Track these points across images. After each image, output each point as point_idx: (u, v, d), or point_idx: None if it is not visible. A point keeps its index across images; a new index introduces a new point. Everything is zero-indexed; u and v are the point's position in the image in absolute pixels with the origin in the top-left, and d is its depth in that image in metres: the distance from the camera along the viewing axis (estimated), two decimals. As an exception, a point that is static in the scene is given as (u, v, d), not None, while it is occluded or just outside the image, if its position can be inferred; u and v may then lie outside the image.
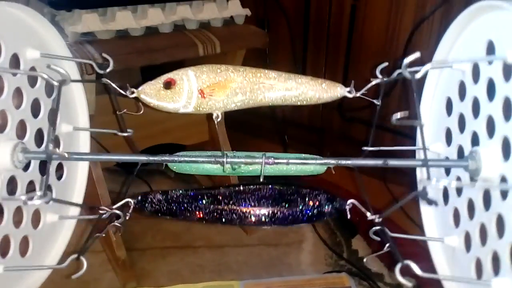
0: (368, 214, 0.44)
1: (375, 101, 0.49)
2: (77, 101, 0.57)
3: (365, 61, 1.07)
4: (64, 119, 0.53)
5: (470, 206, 0.44)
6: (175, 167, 0.47)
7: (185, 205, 0.45)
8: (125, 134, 0.49)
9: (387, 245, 0.41)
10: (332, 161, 0.42)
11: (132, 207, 0.46)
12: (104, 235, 0.48)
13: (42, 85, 0.48)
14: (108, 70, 0.46)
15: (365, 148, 0.49)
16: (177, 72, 0.46)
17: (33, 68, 0.47)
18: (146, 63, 0.76)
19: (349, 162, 0.40)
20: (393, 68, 0.47)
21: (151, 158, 0.43)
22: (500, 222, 0.40)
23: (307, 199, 0.45)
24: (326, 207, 0.46)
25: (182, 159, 0.42)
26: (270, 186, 0.45)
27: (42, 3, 0.73)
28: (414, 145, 0.61)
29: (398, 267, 0.39)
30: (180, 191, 0.46)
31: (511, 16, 0.38)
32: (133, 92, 0.46)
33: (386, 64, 0.47)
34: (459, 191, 0.46)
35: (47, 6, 0.73)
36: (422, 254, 0.46)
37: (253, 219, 0.44)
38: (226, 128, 1.01)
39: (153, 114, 0.96)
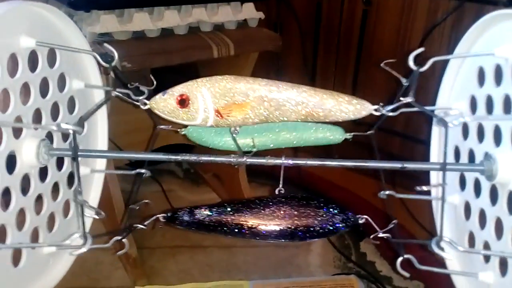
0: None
1: (368, 133, 0.50)
2: (97, 100, 0.58)
3: (375, 65, 1.08)
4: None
5: (498, 225, 0.43)
6: (192, 135, 0.49)
7: (209, 225, 0.47)
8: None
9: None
10: (350, 163, 0.43)
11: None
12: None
13: (68, 93, 0.50)
14: (113, 63, 0.47)
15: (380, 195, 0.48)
16: (190, 87, 0.44)
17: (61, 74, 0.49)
18: (162, 64, 0.77)
19: (367, 164, 0.41)
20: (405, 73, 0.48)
21: (170, 157, 0.44)
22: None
23: (321, 217, 0.46)
24: (340, 224, 0.47)
25: (203, 158, 0.43)
26: (286, 204, 0.46)
27: (60, 3, 0.75)
28: (424, 149, 0.62)
29: (434, 242, 0.39)
30: (205, 213, 0.47)
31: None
32: (145, 104, 0.46)
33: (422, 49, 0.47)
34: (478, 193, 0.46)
35: (64, 6, 0.74)
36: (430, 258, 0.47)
37: (271, 235, 0.45)
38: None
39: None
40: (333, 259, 0.92)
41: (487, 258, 0.43)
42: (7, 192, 0.41)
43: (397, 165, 0.41)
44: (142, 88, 0.46)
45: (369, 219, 0.47)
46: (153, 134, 0.54)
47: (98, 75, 0.56)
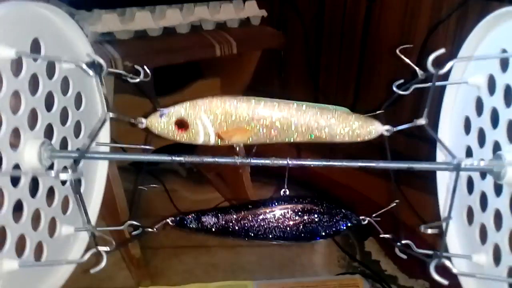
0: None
1: (377, 112, 0.49)
2: (99, 101, 0.58)
3: (379, 63, 1.07)
4: (87, 134, 0.53)
5: (498, 217, 0.43)
6: None
7: (216, 231, 0.47)
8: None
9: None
10: (355, 164, 0.42)
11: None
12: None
13: (72, 95, 0.49)
14: (138, 79, 0.46)
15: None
16: (188, 111, 0.42)
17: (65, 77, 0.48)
18: (164, 63, 0.77)
19: (372, 164, 0.41)
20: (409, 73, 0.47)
21: (174, 158, 0.43)
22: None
23: (325, 223, 0.46)
24: (343, 227, 0.47)
25: (206, 159, 0.43)
26: (291, 211, 0.46)
27: (61, 2, 0.74)
28: (429, 148, 0.61)
29: (433, 264, 0.38)
30: (212, 220, 0.47)
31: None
32: (142, 122, 0.45)
33: (401, 81, 0.47)
34: (483, 204, 0.46)
35: (65, 5, 0.74)
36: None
37: (275, 235, 0.45)
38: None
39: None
40: (337, 259, 0.92)
41: (483, 241, 0.43)
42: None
43: (404, 165, 0.40)
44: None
45: (372, 221, 0.46)
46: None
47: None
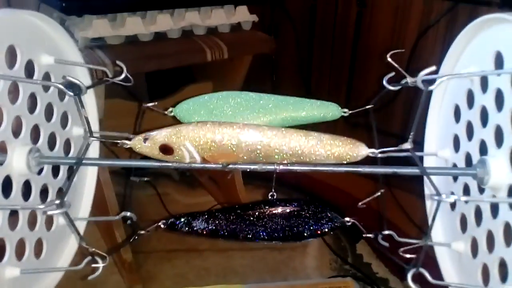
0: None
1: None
2: (88, 105, 0.58)
3: (370, 67, 1.08)
4: (75, 123, 0.53)
5: (478, 213, 0.44)
6: (181, 115, 0.48)
7: (207, 234, 0.48)
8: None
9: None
10: (342, 169, 0.43)
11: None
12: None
13: (55, 90, 0.49)
14: (121, 77, 0.47)
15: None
16: (172, 138, 0.42)
17: (47, 74, 0.48)
18: (155, 68, 0.77)
19: (358, 169, 0.41)
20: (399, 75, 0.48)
21: (163, 164, 0.44)
22: (508, 230, 0.41)
23: (311, 226, 0.47)
24: (327, 229, 0.48)
25: (194, 165, 0.43)
26: (278, 217, 0.47)
27: (52, 8, 0.74)
28: (421, 150, 0.62)
29: (410, 274, 0.40)
30: (202, 225, 0.47)
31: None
32: (126, 144, 0.45)
33: (392, 74, 0.47)
34: (466, 193, 0.47)
35: (56, 11, 0.74)
36: (427, 262, 0.47)
37: (263, 237, 0.46)
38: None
39: (158, 119, 0.97)
40: (329, 262, 0.92)
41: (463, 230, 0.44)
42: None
43: (389, 170, 0.41)
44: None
45: (356, 222, 0.47)
46: (139, 113, 0.53)
47: (90, 82, 0.56)
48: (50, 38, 0.49)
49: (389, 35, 1.02)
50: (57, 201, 0.40)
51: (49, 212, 0.42)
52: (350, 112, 0.51)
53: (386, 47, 1.03)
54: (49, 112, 0.49)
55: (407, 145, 0.41)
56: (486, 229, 0.42)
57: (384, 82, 0.44)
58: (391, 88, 0.45)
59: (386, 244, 0.45)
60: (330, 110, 0.51)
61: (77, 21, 0.74)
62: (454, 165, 0.50)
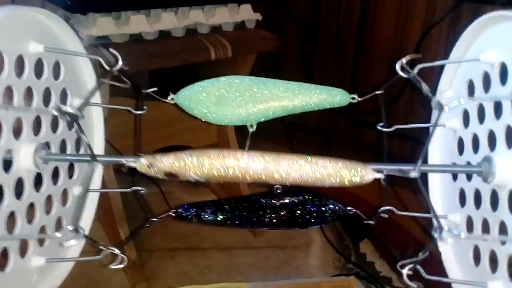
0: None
1: (377, 92, 0.50)
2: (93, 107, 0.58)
3: (374, 66, 1.08)
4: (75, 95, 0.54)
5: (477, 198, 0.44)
6: (184, 103, 0.48)
7: (215, 224, 0.49)
8: (140, 112, 0.49)
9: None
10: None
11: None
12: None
13: (50, 75, 0.49)
14: (117, 68, 0.47)
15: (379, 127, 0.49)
16: (177, 167, 0.42)
17: (57, 65, 0.48)
18: (159, 67, 0.77)
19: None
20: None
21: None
22: (503, 228, 0.41)
23: (315, 217, 0.48)
24: (330, 217, 0.48)
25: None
26: (283, 210, 0.47)
27: (56, 6, 0.75)
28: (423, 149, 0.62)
29: (405, 270, 0.40)
30: (211, 216, 0.48)
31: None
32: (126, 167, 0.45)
33: (408, 57, 0.47)
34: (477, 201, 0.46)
35: (61, 9, 0.74)
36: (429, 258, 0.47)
37: (269, 225, 0.47)
38: (235, 131, 1.02)
39: (162, 116, 0.97)
40: (332, 260, 0.92)
41: (494, 267, 0.43)
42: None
43: (390, 167, 0.41)
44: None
45: (358, 212, 0.47)
46: (138, 98, 0.52)
47: (94, 79, 0.56)
48: (55, 34, 0.49)
49: (393, 33, 1.02)
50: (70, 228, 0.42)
51: (65, 244, 0.44)
52: (359, 99, 0.51)
53: (389, 46, 1.03)
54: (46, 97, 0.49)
55: (413, 173, 0.40)
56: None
57: (397, 68, 0.43)
58: (402, 74, 0.45)
59: (386, 216, 0.45)
60: (339, 95, 0.50)
61: (81, 19, 0.74)
62: (461, 139, 0.49)
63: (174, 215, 0.48)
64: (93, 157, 0.44)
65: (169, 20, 0.77)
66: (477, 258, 0.45)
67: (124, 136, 0.86)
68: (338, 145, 1.20)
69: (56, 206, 0.50)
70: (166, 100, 0.48)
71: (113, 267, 0.45)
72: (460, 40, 0.49)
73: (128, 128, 0.85)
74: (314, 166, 0.42)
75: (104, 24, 0.72)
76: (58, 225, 0.51)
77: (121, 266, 0.46)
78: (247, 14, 0.85)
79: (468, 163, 0.47)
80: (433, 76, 0.57)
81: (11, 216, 0.43)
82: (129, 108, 0.51)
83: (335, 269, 0.90)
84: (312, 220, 0.47)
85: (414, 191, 0.94)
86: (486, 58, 0.43)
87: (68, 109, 0.42)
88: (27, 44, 0.43)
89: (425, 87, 0.44)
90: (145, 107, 0.51)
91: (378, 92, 0.52)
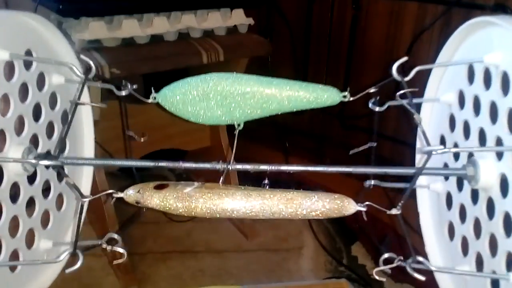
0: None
1: (371, 144, 0.49)
2: (82, 107, 0.58)
3: (366, 70, 1.09)
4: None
5: (476, 224, 0.45)
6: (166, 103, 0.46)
7: None
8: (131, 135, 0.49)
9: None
10: (333, 169, 0.43)
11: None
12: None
13: (48, 92, 0.50)
14: (90, 75, 0.46)
15: (366, 184, 0.49)
16: (161, 205, 0.43)
17: (41, 75, 0.48)
18: (151, 70, 0.78)
19: (350, 169, 0.42)
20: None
21: (157, 164, 0.44)
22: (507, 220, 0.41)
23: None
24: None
25: (185, 165, 0.44)
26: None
27: (49, 10, 0.75)
28: (414, 153, 0.63)
29: (409, 263, 0.40)
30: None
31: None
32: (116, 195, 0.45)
33: (406, 58, 0.47)
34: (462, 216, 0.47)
35: (53, 13, 0.75)
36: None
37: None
38: (227, 135, 1.02)
39: (155, 120, 0.97)
40: (324, 263, 0.93)
41: (465, 252, 0.44)
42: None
43: (379, 170, 0.41)
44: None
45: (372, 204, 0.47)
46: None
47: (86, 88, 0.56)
48: (45, 39, 0.50)
49: (384, 38, 1.03)
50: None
51: (41, 162, 0.42)
52: (352, 98, 0.50)
53: (381, 50, 1.04)
54: (37, 113, 0.49)
55: (395, 211, 0.41)
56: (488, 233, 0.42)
57: (393, 71, 0.44)
58: (397, 78, 0.45)
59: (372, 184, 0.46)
60: (329, 93, 0.49)
61: (74, 23, 0.75)
62: (452, 116, 0.49)
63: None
64: (82, 196, 0.44)
65: (162, 25, 0.78)
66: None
67: (116, 138, 0.87)
68: (331, 148, 1.21)
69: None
70: (149, 101, 0.47)
71: (115, 263, 0.44)
72: (447, 44, 0.50)
73: (120, 131, 0.86)
74: (303, 203, 0.42)
75: (96, 28, 0.73)
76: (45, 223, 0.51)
77: (120, 261, 0.45)
78: (239, 18, 0.86)
79: (455, 144, 0.47)
80: (424, 80, 0.57)
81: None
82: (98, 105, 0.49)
83: (327, 271, 0.90)
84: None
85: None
86: (490, 60, 0.43)
87: (49, 163, 0.43)
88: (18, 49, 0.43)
89: (416, 116, 0.44)
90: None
91: (371, 91, 0.51)
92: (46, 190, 0.50)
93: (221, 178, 0.45)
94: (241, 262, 0.92)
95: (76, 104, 0.46)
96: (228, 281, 0.87)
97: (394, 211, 0.41)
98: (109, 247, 0.46)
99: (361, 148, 0.49)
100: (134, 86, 0.48)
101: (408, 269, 0.40)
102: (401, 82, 0.45)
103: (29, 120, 0.46)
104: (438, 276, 0.51)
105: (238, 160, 0.46)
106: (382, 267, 0.42)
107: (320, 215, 0.42)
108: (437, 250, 0.54)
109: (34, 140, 0.47)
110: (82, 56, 0.46)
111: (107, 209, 0.84)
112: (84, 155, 0.57)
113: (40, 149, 0.48)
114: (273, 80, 0.48)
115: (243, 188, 0.44)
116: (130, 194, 0.44)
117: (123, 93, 0.46)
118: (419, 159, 0.57)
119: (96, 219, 0.88)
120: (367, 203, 0.43)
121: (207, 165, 0.44)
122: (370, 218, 0.46)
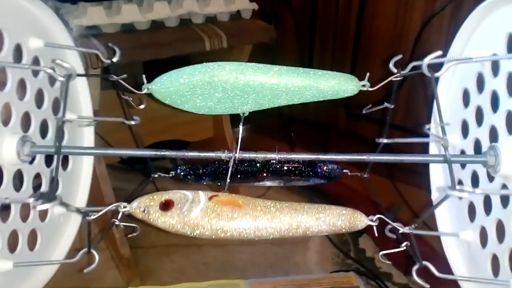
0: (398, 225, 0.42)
1: (387, 105, 0.47)
2: (81, 95, 0.56)
3: (373, 57, 1.06)
4: (68, 110, 0.51)
5: (487, 203, 0.43)
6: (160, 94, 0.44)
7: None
8: (132, 123, 0.47)
9: (404, 244, 0.40)
10: (345, 157, 0.41)
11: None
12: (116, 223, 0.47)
13: (45, 76, 0.47)
14: (114, 60, 0.44)
15: (379, 140, 0.47)
16: (167, 225, 0.42)
17: (36, 58, 0.46)
18: (152, 57, 0.75)
19: (364, 157, 0.39)
20: (403, 64, 0.46)
21: (160, 153, 0.42)
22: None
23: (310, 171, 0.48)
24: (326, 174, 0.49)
25: (190, 154, 0.41)
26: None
27: (46, -4, 0.72)
28: (424, 145, 0.60)
29: (415, 268, 0.38)
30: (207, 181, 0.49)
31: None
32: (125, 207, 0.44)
33: (400, 56, 0.45)
34: (475, 186, 0.45)
35: (51, -1, 0.72)
36: (433, 255, 0.46)
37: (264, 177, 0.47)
38: (231, 126, 1.00)
39: (157, 110, 0.94)
40: (331, 256, 0.90)
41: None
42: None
43: (397, 157, 0.39)
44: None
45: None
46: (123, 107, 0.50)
47: (83, 71, 0.54)
48: (40, 22, 0.47)
49: (393, 24, 0.99)
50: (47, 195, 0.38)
51: (39, 207, 0.39)
52: (371, 88, 0.47)
53: (389, 36, 1.01)
54: (39, 99, 0.47)
55: (395, 77, 0.40)
56: (496, 219, 0.41)
57: (391, 65, 0.42)
58: (396, 73, 0.43)
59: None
60: (347, 83, 0.45)
61: (71, 8, 0.72)
62: (462, 152, 0.48)
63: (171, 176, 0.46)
64: (86, 215, 0.42)
65: (162, 10, 0.75)
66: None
67: (116, 129, 0.84)
68: (337, 138, 1.18)
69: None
70: (140, 93, 0.44)
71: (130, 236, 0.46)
72: (464, 25, 0.47)
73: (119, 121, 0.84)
74: (313, 219, 0.41)
75: (94, 14, 0.70)
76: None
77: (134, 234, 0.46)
78: (243, 3, 0.83)
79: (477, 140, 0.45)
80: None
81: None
82: (123, 120, 0.48)
83: (334, 265, 0.88)
84: (312, 174, 0.45)
85: (416, 186, 0.92)
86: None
87: (65, 64, 0.40)
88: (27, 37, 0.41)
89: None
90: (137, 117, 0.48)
91: (393, 79, 0.48)
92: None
93: (227, 182, 0.44)
94: (246, 255, 0.90)
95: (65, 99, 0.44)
96: (233, 275, 0.85)
97: (407, 230, 0.39)
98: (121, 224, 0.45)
99: (375, 108, 0.46)
100: (124, 76, 0.46)
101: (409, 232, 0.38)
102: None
103: (15, 104, 0.43)
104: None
105: (242, 151, 0.44)
106: (386, 251, 0.41)
107: (331, 231, 0.41)
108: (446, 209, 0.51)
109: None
110: (110, 45, 0.47)
111: (107, 200, 0.82)
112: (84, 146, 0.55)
113: (32, 130, 0.46)
114: (280, 69, 0.43)
115: (250, 206, 0.41)
116: (136, 209, 0.42)
117: (115, 77, 0.44)
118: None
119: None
120: (378, 216, 0.41)
121: (212, 154, 0.41)
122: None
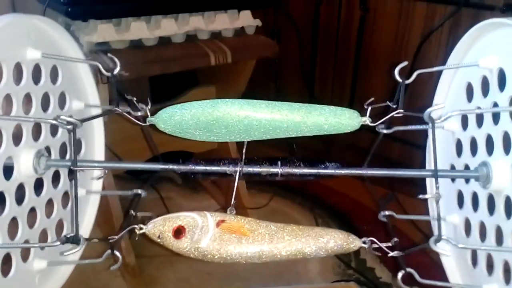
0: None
1: (384, 131, 0.48)
2: (93, 111, 0.58)
3: (374, 72, 1.08)
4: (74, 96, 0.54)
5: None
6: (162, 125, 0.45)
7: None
8: (147, 124, 0.47)
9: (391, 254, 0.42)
10: (343, 171, 0.43)
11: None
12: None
13: (47, 80, 0.49)
14: (115, 72, 0.46)
15: (379, 129, 0.48)
16: (181, 250, 0.46)
17: (53, 73, 0.48)
18: (159, 73, 0.77)
19: (360, 172, 0.41)
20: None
21: (168, 166, 0.44)
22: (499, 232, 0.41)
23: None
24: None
25: (197, 167, 0.43)
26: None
27: (57, 13, 0.75)
28: (424, 155, 0.62)
29: (400, 276, 0.41)
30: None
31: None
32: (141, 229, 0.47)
33: (406, 63, 0.46)
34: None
35: (62, 16, 0.75)
36: (431, 265, 0.47)
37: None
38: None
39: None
40: (332, 266, 0.92)
41: (490, 271, 0.43)
42: (1, 199, 0.42)
43: (389, 172, 0.41)
44: (140, 105, 0.45)
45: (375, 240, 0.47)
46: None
47: (94, 86, 0.56)
48: (54, 40, 0.50)
49: (393, 39, 1.02)
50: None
51: (66, 253, 0.45)
52: (372, 124, 0.48)
53: (389, 51, 1.03)
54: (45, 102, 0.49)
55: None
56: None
57: (396, 73, 0.43)
58: (400, 81, 0.45)
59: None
60: (348, 119, 0.46)
61: (82, 26, 0.75)
62: (459, 141, 0.49)
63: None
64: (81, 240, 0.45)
65: (169, 27, 0.78)
66: (475, 261, 0.45)
67: (124, 141, 0.87)
68: (337, 149, 1.20)
69: (57, 209, 0.50)
70: (143, 124, 0.46)
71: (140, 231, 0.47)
72: (458, 46, 0.50)
73: (128, 133, 0.86)
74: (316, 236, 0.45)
75: (104, 31, 0.72)
76: (60, 228, 0.51)
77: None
78: (247, 20, 0.86)
79: (466, 166, 0.47)
80: (432, 81, 0.57)
81: (13, 221, 0.43)
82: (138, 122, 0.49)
83: (335, 274, 0.89)
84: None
85: (414, 197, 0.94)
86: (485, 64, 0.43)
87: (68, 118, 0.42)
88: (25, 51, 0.43)
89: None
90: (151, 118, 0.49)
91: (395, 115, 0.49)
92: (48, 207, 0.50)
93: (233, 195, 0.46)
94: (249, 265, 0.90)
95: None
96: (236, 284, 0.86)
97: (395, 254, 0.42)
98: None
99: (378, 106, 0.48)
100: (128, 109, 0.47)
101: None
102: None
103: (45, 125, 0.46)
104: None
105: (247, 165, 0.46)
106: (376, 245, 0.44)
107: (327, 255, 0.46)
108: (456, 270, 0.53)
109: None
110: (109, 55, 0.48)
111: (114, 211, 0.84)
112: (95, 158, 0.57)
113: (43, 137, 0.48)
114: (282, 105, 0.45)
115: (256, 234, 0.45)
116: (151, 233, 0.47)
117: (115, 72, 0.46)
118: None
119: (103, 222, 0.88)
120: (370, 238, 0.44)
121: (217, 169, 0.44)
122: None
